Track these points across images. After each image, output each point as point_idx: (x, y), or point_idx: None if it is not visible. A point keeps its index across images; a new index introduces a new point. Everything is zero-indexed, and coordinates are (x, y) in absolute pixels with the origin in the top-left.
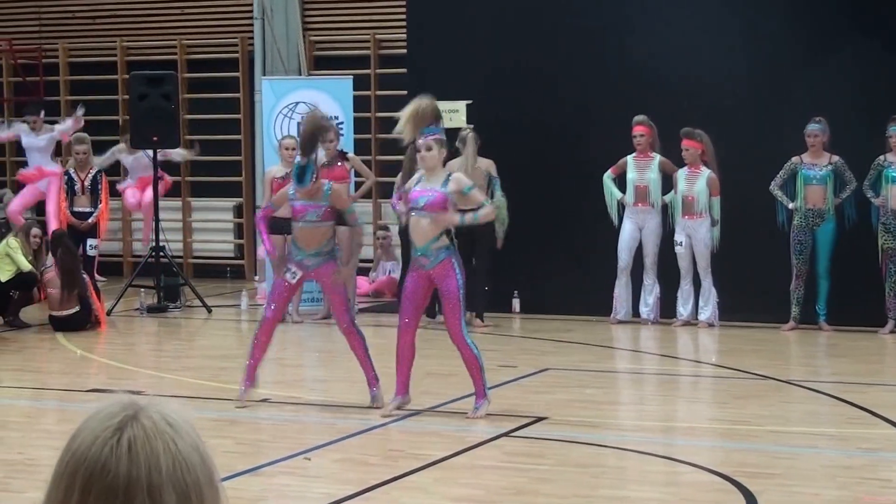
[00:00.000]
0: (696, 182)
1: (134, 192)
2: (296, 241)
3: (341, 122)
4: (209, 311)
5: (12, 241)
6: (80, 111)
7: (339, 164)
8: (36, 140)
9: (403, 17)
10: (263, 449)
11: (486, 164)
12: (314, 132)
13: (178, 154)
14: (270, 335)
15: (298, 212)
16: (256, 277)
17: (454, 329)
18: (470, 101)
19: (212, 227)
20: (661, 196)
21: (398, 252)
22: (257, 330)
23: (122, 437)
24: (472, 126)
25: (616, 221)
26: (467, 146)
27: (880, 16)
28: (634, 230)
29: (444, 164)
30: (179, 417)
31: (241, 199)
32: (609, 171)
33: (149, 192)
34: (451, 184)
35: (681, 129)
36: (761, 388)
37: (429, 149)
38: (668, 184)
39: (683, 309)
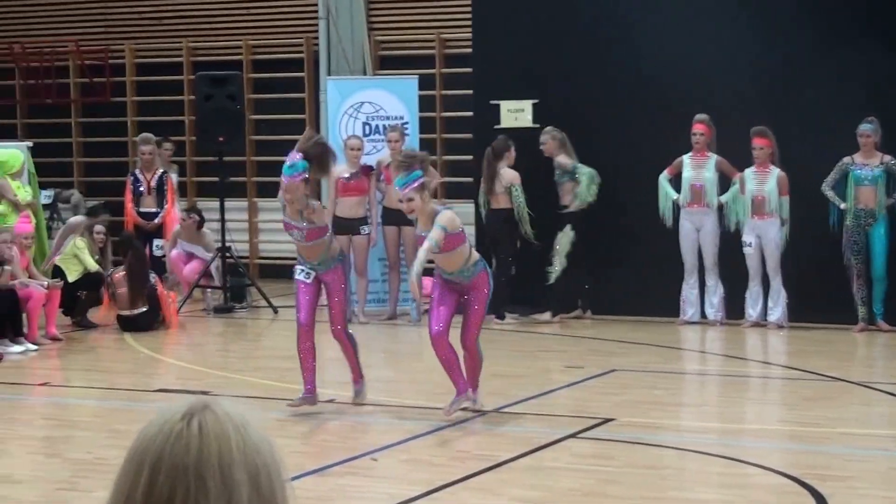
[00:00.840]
0: (767, 181)
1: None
2: (299, 255)
3: (406, 122)
4: (275, 312)
5: (79, 242)
6: None
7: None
8: None
9: (468, 16)
10: (329, 449)
11: (511, 177)
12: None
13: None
14: (310, 339)
15: (287, 227)
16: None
17: (472, 334)
18: (536, 101)
19: (278, 227)
20: (718, 196)
21: None
22: (297, 341)
23: (191, 421)
24: (505, 136)
25: (669, 222)
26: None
27: None
28: (692, 231)
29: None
30: (247, 412)
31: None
32: (665, 172)
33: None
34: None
35: (752, 128)
36: (831, 390)
37: (409, 199)
38: (724, 184)
39: (752, 310)
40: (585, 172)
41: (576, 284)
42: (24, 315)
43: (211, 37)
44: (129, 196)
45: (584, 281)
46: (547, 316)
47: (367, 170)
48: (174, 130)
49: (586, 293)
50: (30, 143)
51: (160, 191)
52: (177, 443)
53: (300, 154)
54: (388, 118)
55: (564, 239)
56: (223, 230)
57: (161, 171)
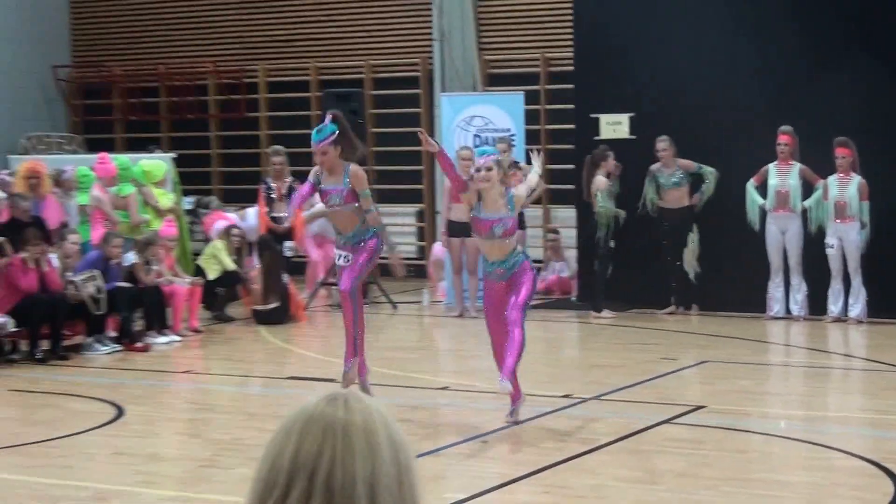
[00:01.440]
0: (848, 188)
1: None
2: (335, 227)
3: (513, 135)
4: (394, 307)
5: (217, 243)
6: None
7: (512, 171)
8: None
9: (570, 36)
10: (443, 433)
11: (598, 183)
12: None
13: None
14: (351, 302)
15: (325, 195)
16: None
17: (516, 314)
18: (632, 114)
19: (396, 230)
20: (801, 201)
21: (567, 253)
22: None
23: (336, 397)
24: (605, 146)
25: (756, 226)
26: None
27: None
28: (778, 233)
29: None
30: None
31: (422, 205)
32: (752, 180)
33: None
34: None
35: (835, 139)
36: None
37: (489, 169)
38: (807, 190)
39: (834, 307)
40: (710, 171)
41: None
42: (168, 310)
43: (336, 58)
44: (262, 202)
45: (601, 281)
46: (671, 309)
47: (514, 164)
48: (302, 143)
49: (674, 290)
50: (174, 155)
51: (290, 197)
52: (327, 408)
53: (329, 117)
54: (496, 130)
55: (693, 239)
56: None
57: (291, 179)
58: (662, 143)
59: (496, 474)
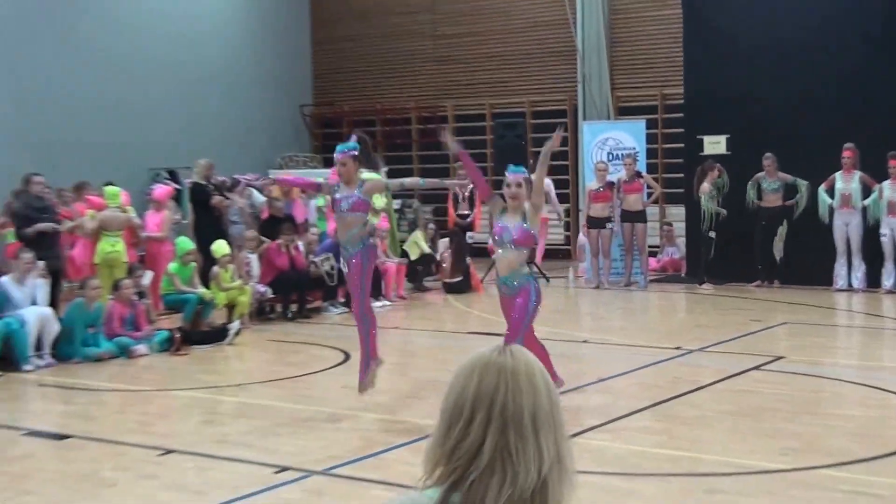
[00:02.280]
0: None
1: None
2: (338, 231)
3: (637, 151)
4: (547, 281)
5: (417, 234)
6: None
7: (636, 180)
8: None
9: (681, 78)
10: (582, 375)
11: (703, 188)
12: (371, 153)
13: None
14: (363, 324)
15: (336, 202)
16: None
17: (512, 338)
18: (728, 136)
19: (550, 224)
20: (861, 201)
21: (678, 240)
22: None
23: (504, 349)
24: (711, 160)
25: (826, 220)
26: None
27: None
28: (842, 226)
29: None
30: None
31: (568, 205)
32: (823, 185)
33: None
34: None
35: (889, 153)
36: None
37: (518, 185)
38: (865, 192)
39: (887, 282)
40: (804, 184)
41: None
42: (382, 282)
43: (504, 96)
44: (451, 203)
45: (770, 259)
46: (757, 283)
47: (610, 185)
48: (479, 159)
49: (761, 268)
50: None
51: (471, 200)
52: (498, 356)
53: (355, 137)
54: (624, 149)
55: (782, 231)
56: None
57: (471, 186)
58: (767, 160)
59: (623, 406)
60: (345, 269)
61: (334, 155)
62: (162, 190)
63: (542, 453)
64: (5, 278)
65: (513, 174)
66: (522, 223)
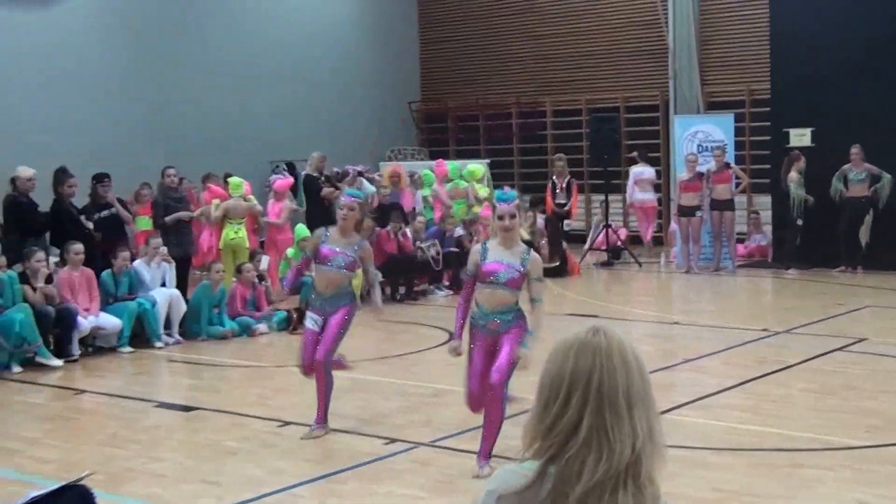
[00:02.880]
0: None
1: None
2: (316, 288)
3: (726, 144)
4: (640, 266)
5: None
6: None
7: (725, 170)
8: None
9: (768, 74)
10: (673, 354)
11: (790, 177)
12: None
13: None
14: (318, 377)
15: (325, 257)
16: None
17: (499, 380)
18: (813, 129)
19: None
20: None
21: (765, 227)
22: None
23: (598, 330)
24: (797, 151)
25: None
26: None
27: None
28: None
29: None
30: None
31: (660, 194)
32: None
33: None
34: (531, 265)
35: None
36: None
37: (512, 216)
38: None
39: None
40: (888, 177)
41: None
42: None
43: (599, 92)
44: (549, 193)
45: (853, 246)
46: (842, 268)
47: (700, 175)
48: (575, 152)
49: (844, 254)
50: (488, 161)
51: (568, 190)
52: (593, 337)
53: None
54: (713, 141)
55: (868, 219)
56: (607, 211)
57: (568, 177)
58: (855, 149)
59: (713, 384)
60: (314, 327)
61: (342, 199)
62: (282, 181)
63: (636, 430)
64: (138, 262)
65: (504, 204)
66: (521, 266)
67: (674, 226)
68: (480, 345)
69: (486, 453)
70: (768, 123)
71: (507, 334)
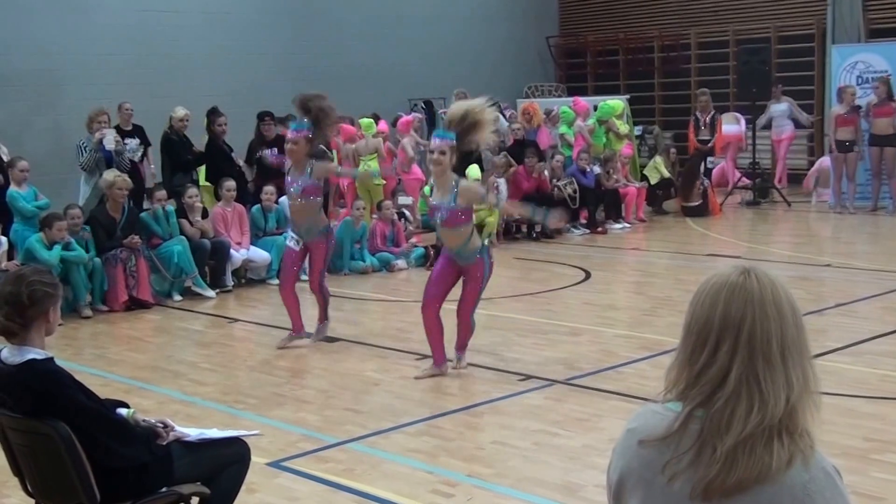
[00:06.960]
0: None
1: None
2: (291, 219)
3: (890, 74)
4: (788, 205)
5: (658, 159)
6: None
7: (888, 103)
8: None
9: None
10: (825, 298)
11: None
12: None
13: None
14: (290, 291)
15: (287, 186)
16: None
17: (467, 308)
18: None
19: (794, 148)
20: None
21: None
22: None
23: (749, 271)
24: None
25: None
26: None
27: None
28: None
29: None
30: (776, 275)
31: (811, 130)
32: None
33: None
34: (461, 197)
35: None
36: None
37: (442, 153)
38: None
39: None
40: None
41: None
42: (622, 205)
43: (749, 22)
44: (691, 129)
45: None
46: None
47: (857, 109)
48: (722, 86)
49: None
50: (628, 97)
51: (712, 125)
52: (745, 282)
53: (306, 119)
54: (875, 72)
55: None
56: (754, 150)
57: (713, 112)
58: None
59: (867, 330)
60: (291, 245)
61: (287, 133)
62: (403, 119)
63: (791, 381)
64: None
65: (438, 139)
66: (451, 204)
67: (826, 161)
68: (446, 255)
69: (463, 344)
70: None
71: (468, 273)
